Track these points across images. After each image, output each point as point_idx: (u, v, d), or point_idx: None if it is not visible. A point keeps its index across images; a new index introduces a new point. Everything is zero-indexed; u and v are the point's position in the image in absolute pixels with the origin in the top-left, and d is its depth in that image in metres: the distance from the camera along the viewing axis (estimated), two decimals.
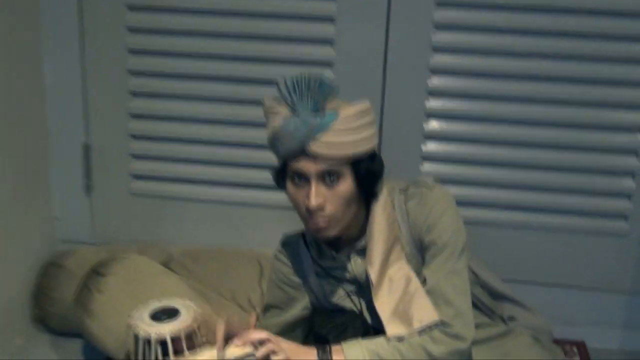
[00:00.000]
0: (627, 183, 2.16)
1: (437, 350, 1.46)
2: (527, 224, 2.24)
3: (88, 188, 2.41)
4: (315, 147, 1.42)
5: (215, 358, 1.44)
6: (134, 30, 2.24)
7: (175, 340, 1.53)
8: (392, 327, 1.49)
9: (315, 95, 1.42)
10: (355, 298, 1.65)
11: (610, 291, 2.25)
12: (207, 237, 2.38)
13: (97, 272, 2.00)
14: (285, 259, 1.71)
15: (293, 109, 1.43)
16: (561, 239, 2.23)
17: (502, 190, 2.23)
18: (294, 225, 1.66)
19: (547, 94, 2.12)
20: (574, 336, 2.23)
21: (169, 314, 1.58)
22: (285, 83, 1.44)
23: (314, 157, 1.43)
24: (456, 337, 1.47)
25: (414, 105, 2.18)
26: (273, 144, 1.49)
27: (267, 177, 2.21)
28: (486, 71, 2.13)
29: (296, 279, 1.70)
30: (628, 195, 2.17)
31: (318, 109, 1.43)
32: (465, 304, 1.51)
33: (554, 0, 2.03)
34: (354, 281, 1.63)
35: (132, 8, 2.21)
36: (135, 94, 2.30)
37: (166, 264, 2.22)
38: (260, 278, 2.22)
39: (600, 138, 2.15)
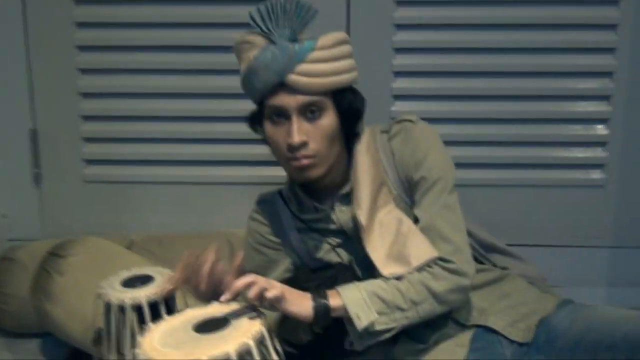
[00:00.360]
0: (601, 130, 2.14)
1: (438, 286, 1.39)
2: (502, 181, 2.19)
3: (37, 178, 2.27)
4: (295, 78, 1.38)
5: (197, 316, 1.30)
6: (80, 0, 2.13)
7: (153, 305, 1.41)
8: (389, 268, 1.42)
9: (293, 20, 1.40)
10: (341, 251, 1.56)
11: (592, 247, 2.22)
12: (170, 221, 2.26)
13: (55, 254, 1.91)
14: (262, 218, 1.63)
15: (269, 38, 1.39)
16: (536, 195, 2.19)
17: (471, 147, 2.17)
18: None
19: (516, 41, 2.09)
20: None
21: (142, 280, 1.48)
22: (259, 10, 1.40)
23: (294, 90, 1.38)
24: (457, 272, 1.41)
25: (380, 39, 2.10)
26: (248, 80, 1.43)
27: (231, 152, 2.16)
28: (454, 22, 2.08)
29: (275, 239, 1.61)
30: (602, 143, 2.15)
31: (296, 35, 1.40)
32: (463, 240, 1.46)
33: None
34: (340, 232, 1.54)
35: None
36: (83, 71, 2.19)
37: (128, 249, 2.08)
38: (232, 257, 2.10)
39: (570, 84, 2.12)
